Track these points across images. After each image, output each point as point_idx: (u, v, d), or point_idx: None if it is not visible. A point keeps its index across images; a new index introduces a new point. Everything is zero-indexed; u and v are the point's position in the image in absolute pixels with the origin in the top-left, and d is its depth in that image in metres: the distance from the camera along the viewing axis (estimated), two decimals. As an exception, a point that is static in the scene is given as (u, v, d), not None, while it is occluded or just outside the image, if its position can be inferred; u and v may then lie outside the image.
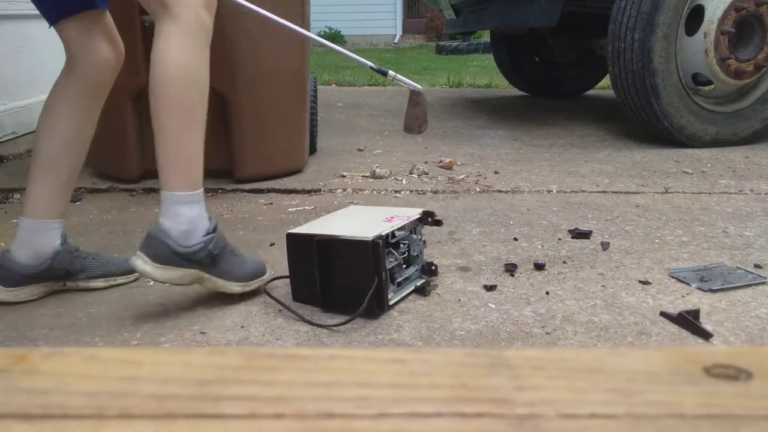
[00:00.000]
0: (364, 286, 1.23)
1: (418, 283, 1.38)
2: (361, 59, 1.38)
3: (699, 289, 1.40)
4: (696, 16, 2.77)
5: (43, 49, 3.30)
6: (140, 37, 2.11)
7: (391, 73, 1.34)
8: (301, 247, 1.29)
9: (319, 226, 1.35)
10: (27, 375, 0.26)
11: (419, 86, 1.31)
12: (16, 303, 1.36)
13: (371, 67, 1.34)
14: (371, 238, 1.22)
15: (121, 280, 1.45)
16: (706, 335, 1.20)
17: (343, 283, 1.27)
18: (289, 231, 1.31)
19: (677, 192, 2.19)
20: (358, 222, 1.36)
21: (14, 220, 1.92)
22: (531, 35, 4.35)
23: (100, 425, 0.23)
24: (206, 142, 2.26)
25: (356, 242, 1.24)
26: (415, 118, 1.31)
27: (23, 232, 1.37)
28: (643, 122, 2.89)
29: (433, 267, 1.42)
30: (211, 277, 1.30)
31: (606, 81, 4.36)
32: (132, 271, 1.47)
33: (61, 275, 1.40)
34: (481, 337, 1.21)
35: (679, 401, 0.25)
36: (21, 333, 1.24)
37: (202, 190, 1.30)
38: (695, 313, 1.25)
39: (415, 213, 1.39)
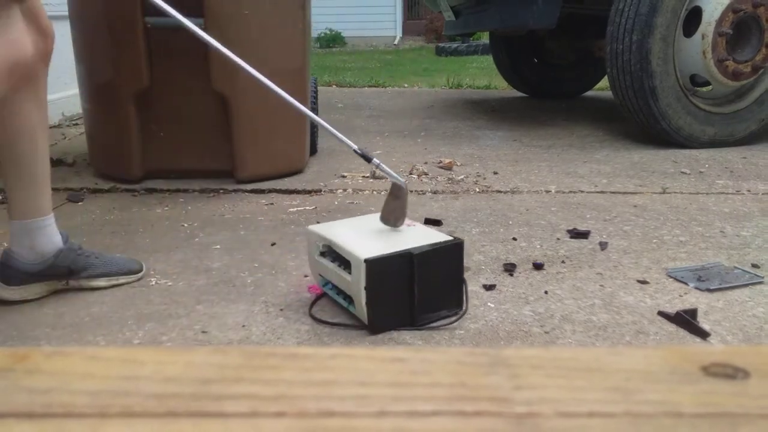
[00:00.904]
0: (446, 290, 1.24)
1: None
2: (347, 141, 1.35)
3: (697, 288, 1.40)
4: (694, 18, 2.77)
5: (43, 49, 3.29)
6: (142, 38, 2.11)
7: (375, 160, 1.32)
8: (390, 269, 1.18)
9: (371, 246, 1.21)
10: (29, 374, 0.26)
11: (402, 180, 1.30)
12: (20, 302, 1.36)
13: (355, 151, 1.32)
14: (460, 239, 1.24)
15: (122, 279, 1.45)
16: (703, 334, 1.20)
17: (426, 293, 1.22)
18: (366, 258, 1.15)
19: (675, 192, 2.19)
20: (381, 232, 1.30)
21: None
22: (530, 37, 4.35)
23: (101, 424, 0.23)
24: (208, 143, 2.27)
25: (450, 246, 1.22)
26: (392, 212, 1.30)
27: (15, 234, 1.36)
28: (641, 123, 2.89)
29: None
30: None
31: (604, 82, 4.36)
32: (135, 271, 1.47)
33: (64, 273, 1.39)
34: (480, 337, 1.21)
35: (676, 400, 0.25)
36: (23, 332, 1.25)
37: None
38: (693, 313, 1.25)
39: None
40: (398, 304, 1.20)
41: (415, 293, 1.20)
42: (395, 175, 1.32)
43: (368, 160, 1.32)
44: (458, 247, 1.24)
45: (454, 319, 1.25)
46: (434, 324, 1.23)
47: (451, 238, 1.24)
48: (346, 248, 1.21)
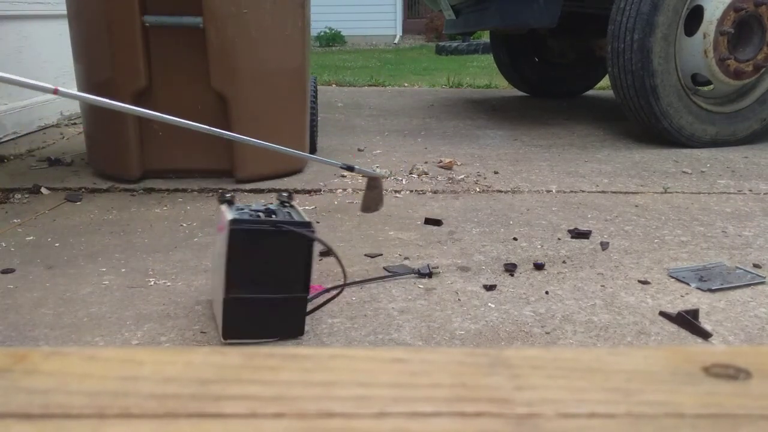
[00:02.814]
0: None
1: None
2: (331, 161, 1.59)
3: (698, 288, 1.40)
4: (695, 17, 2.77)
5: (43, 49, 3.30)
6: (140, 37, 2.11)
7: (356, 167, 1.55)
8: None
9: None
10: (28, 374, 0.26)
11: (377, 172, 1.56)
12: None
13: (339, 166, 1.54)
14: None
15: None
16: (705, 335, 1.20)
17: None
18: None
19: (676, 192, 2.19)
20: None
21: (15, 220, 1.92)
22: (531, 36, 4.35)
23: (100, 425, 0.23)
24: (207, 143, 2.27)
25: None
26: (372, 200, 1.54)
27: None
28: (642, 122, 2.89)
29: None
30: None
31: (605, 81, 4.36)
32: None
33: None
34: (480, 337, 1.21)
35: (678, 401, 0.25)
36: (22, 333, 1.24)
37: None
38: (694, 313, 1.25)
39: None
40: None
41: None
42: (372, 171, 1.53)
43: (351, 169, 1.52)
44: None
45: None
46: None
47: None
48: None
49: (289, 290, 1.14)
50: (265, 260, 1.12)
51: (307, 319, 1.27)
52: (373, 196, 1.52)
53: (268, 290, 1.13)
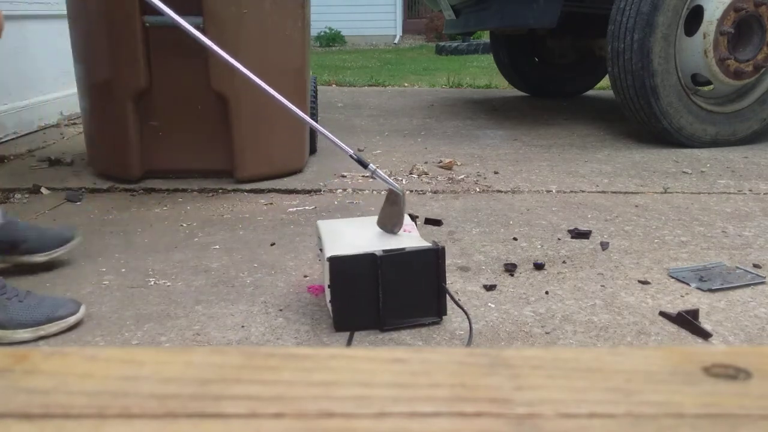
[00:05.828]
0: (422, 296, 1.22)
1: None
2: (342, 145, 1.35)
3: (698, 288, 1.40)
4: (695, 17, 2.77)
5: (44, 49, 3.30)
6: (141, 37, 2.11)
7: (372, 166, 1.32)
8: (355, 269, 1.19)
9: (345, 245, 1.23)
10: (28, 375, 0.26)
11: (398, 186, 1.31)
12: None
13: (351, 156, 1.32)
14: (438, 246, 1.22)
15: (59, 251, 1.53)
16: (705, 335, 1.20)
17: (395, 296, 1.21)
18: (331, 255, 1.17)
19: (676, 192, 2.19)
20: (374, 234, 1.30)
21: (14, 220, 1.92)
22: (531, 36, 4.35)
23: (100, 425, 0.23)
24: (207, 143, 2.27)
25: (424, 252, 1.21)
26: (389, 217, 1.32)
27: None
28: (642, 123, 2.89)
29: None
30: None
31: (605, 81, 4.36)
32: (67, 240, 1.54)
33: (7, 247, 1.49)
34: (480, 337, 1.21)
35: (678, 401, 0.25)
36: (21, 333, 1.24)
37: None
38: (694, 313, 1.25)
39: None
40: (364, 305, 1.20)
41: (380, 295, 1.19)
42: (392, 182, 1.32)
43: (364, 165, 1.32)
44: (434, 254, 1.21)
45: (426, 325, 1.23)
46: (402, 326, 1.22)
47: (429, 245, 1.23)
48: (323, 245, 1.24)
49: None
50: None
51: (307, 319, 1.28)
52: (390, 213, 1.31)
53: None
